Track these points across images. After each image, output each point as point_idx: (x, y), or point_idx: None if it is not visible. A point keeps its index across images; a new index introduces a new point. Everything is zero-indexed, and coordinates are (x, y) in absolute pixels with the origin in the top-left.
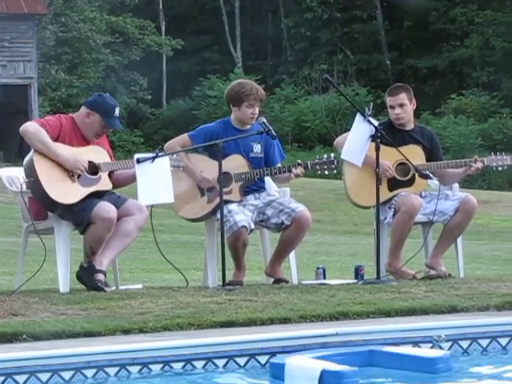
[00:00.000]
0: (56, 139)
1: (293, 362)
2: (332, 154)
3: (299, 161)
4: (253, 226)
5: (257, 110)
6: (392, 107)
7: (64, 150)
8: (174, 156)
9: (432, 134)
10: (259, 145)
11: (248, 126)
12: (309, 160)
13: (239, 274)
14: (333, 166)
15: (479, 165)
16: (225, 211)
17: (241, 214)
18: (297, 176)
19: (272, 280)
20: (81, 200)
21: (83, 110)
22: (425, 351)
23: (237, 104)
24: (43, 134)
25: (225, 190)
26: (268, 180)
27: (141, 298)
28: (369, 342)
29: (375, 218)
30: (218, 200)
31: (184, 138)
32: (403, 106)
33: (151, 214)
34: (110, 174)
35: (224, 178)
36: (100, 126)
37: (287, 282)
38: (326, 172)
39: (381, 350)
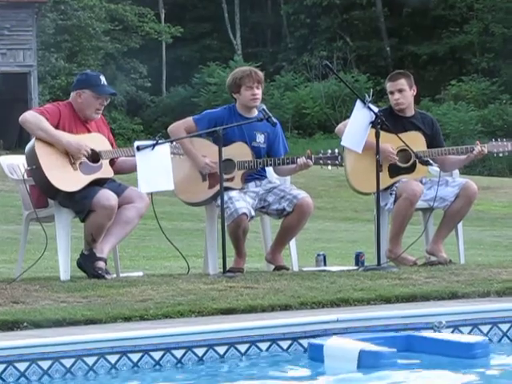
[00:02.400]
0: (56, 126)
1: (332, 343)
2: (336, 150)
3: (309, 151)
4: (253, 213)
5: (256, 91)
6: (391, 93)
7: (66, 136)
8: (174, 143)
9: (432, 121)
10: (263, 135)
11: (254, 113)
12: (312, 151)
13: (240, 261)
14: (337, 162)
15: (481, 148)
16: (225, 198)
17: (241, 201)
18: (304, 165)
19: (272, 267)
20: (82, 188)
21: (73, 94)
22: (463, 336)
23: (236, 90)
24: (43, 121)
25: (227, 176)
26: (269, 168)
27: (141, 286)
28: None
29: (376, 204)
30: (219, 186)
31: (189, 121)
32: (402, 92)
33: (153, 202)
34: (113, 161)
35: (227, 164)
36: (94, 99)
37: (288, 269)
38: (330, 167)
39: (419, 334)
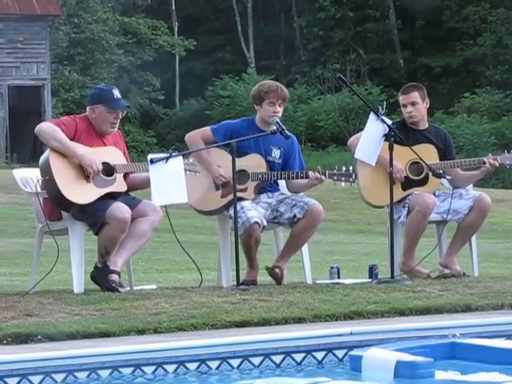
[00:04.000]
0: (72, 138)
1: (370, 354)
2: (351, 167)
3: (319, 167)
4: (265, 223)
5: (278, 109)
6: (404, 105)
7: (80, 148)
8: (191, 160)
9: (446, 135)
10: (279, 150)
11: (272, 128)
12: (327, 167)
13: (252, 272)
14: (350, 179)
15: (493, 161)
16: (237, 207)
17: (253, 211)
18: (318, 180)
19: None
20: (95, 200)
21: (87, 109)
22: (506, 343)
23: (258, 102)
24: (58, 132)
25: (240, 187)
26: (281, 182)
27: (155, 299)
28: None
29: (389, 217)
30: (231, 196)
31: (206, 130)
32: (415, 105)
33: (168, 214)
34: (126, 176)
35: (241, 175)
36: (108, 114)
37: (279, 280)
38: (343, 184)
39: (462, 342)
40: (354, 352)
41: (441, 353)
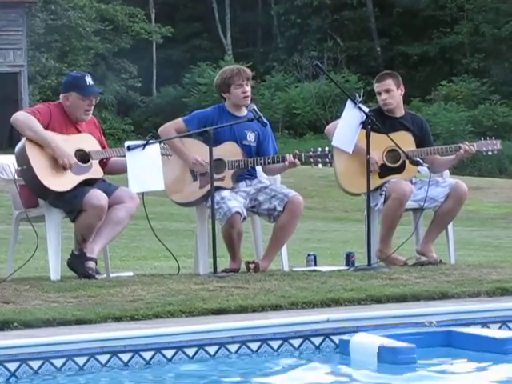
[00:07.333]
0: (47, 126)
1: (356, 339)
2: (326, 148)
3: (297, 151)
4: (245, 214)
5: (247, 89)
6: (379, 93)
7: (55, 138)
8: (162, 144)
9: (422, 121)
10: (253, 134)
11: (244, 112)
12: (303, 150)
13: (234, 265)
14: (327, 160)
15: (468, 147)
16: (217, 198)
17: (233, 201)
18: (292, 164)
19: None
20: (72, 188)
21: (61, 97)
22: (499, 332)
23: (226, 90)
24: (34, 121)
25: (218, 176)
26: (258, 167)
27: (132, 286)
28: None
29: (366, 204)
30: (210, 186)
31: (178, 122)
32: (389, 92)
33: (144, 202)
34: (103, 162)
35: (217, 164)
36: (81, 101)
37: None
38: (320, 165)
39: (458, 330)
40: (343, 336)
41: (437, 341)
